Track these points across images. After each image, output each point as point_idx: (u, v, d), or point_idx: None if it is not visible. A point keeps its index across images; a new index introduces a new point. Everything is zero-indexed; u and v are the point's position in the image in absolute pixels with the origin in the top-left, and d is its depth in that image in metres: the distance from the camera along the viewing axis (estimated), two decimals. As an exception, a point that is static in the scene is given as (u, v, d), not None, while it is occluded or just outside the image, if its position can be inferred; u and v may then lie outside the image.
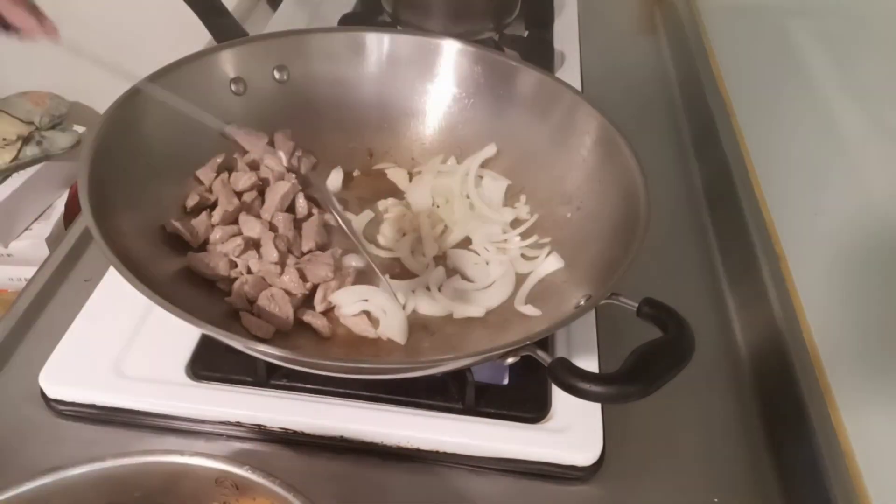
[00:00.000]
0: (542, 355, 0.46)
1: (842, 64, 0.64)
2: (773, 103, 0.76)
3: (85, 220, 0.48)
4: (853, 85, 0.61)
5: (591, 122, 0.62)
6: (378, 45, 0.70)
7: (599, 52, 1.01)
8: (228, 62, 0.66)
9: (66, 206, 1.33)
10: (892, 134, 0.54)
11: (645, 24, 1.14)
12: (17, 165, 1.25)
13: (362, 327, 0.57)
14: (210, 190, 0.62)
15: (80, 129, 1.37)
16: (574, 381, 0.43)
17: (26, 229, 1.28)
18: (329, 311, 0.58)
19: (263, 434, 0.53)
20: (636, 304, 0.49)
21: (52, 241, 1.28)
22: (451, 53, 0.70)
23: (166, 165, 0.61)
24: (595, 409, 0.53)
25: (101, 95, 1.29)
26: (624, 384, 0.43)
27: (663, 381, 0.43)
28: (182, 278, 0.56)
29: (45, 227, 1.29)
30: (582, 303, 0.50)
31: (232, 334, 0.44)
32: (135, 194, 0.56)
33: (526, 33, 0.98)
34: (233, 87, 0.66)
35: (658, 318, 0.48)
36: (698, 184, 0.81)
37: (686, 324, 0.46)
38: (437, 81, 0.71)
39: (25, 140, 1.25)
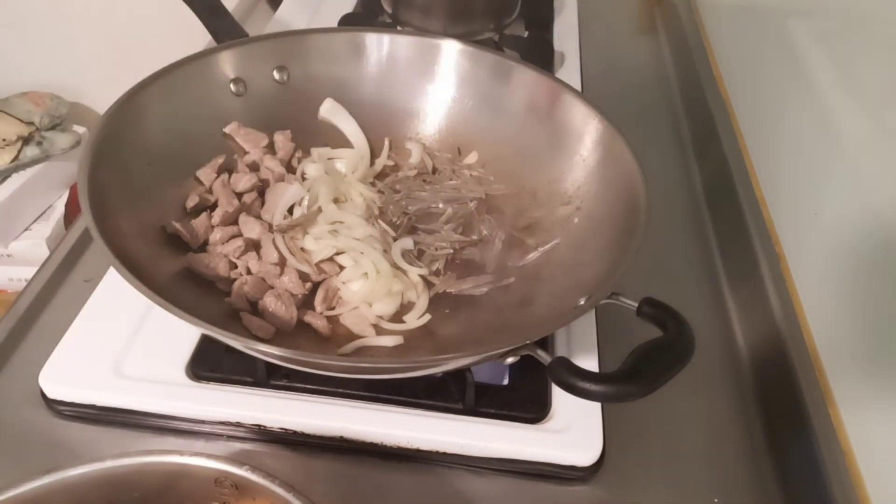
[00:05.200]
0: (542, 355, 0.46)
1: (842, 64, 0.64)
2: (773, 103, 0.76)
3: (85, 220, 0.48)
4: (853, 85, 0.61)
5: (591, 123, 0.62)
6: (378, 45, 0.70)
7: (599, 52, 1.01)
8: (228, 62, 0.66)
9: (66, 206, 1.33)
10: (891, 134, 0.54)
11: (645, 24, 1.14)
12: (17, 166, 1.25)
13: (362, 327, 0.57)
14: (210, 191, 0.62)
15: (80, 129, 1.37)
16: (574, 380, 0.43)
17: (26, 229, 1.28)
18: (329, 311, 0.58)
19: (263, 434, 0.53)
20: (636, 304, 0.49)
21: (52, 242, 1.28)
22: (451, 54, 0.70)
23: (166, 166, 0.61)
24: (595, 409, 0.53)
25: (101, 96, 1.30)
26: (624, 383, 0.43)
27: (663, 381, 0.43)
28: (182, 278, 0.56)
29: (45, 227, 1.29)
30: (582, 303, 0.50)
31: (232, 334, 0.44)
32: (135, 195, 0.56)
33: (526, 33, 0.98)
34: (233, 88, 0.66)
35: (658, 318, 0.48)
36: (698, 184, 0.81)
37: (686, 323, 0.46)
38: (437, 82, 0.71)
39: (25, 140, 1.25)
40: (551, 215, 0.64)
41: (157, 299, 0.44)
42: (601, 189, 0.61)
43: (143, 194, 0.57)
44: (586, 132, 0.63)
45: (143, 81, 0.60)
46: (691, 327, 0.46)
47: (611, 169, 0.60)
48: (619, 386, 0.43)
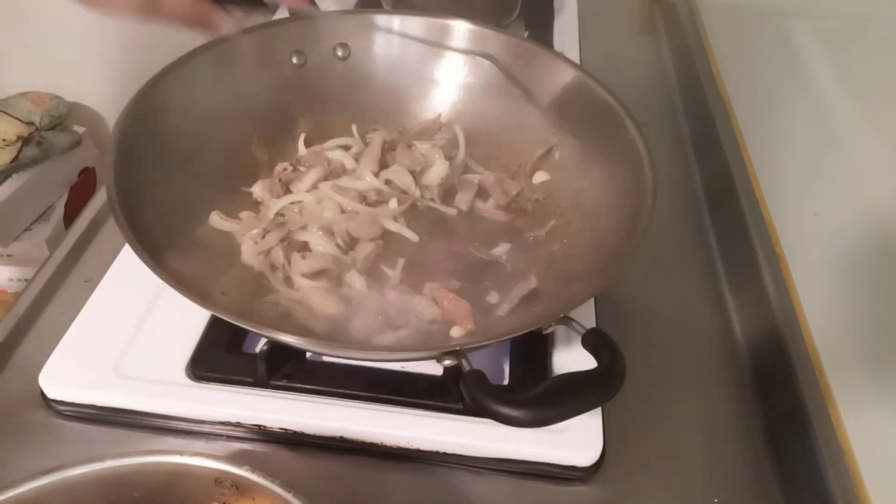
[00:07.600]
0: (464, 363, 0.45)
1: (841, 64, 0.64)
2: (772, 103, 0.76)
3: (109, 202, 0.49)
4: (853, 85, 0.61)
5: (599, 103, 0.62)
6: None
7: (599, 53, 1.01)
8: (291, 36, 0.68)
9: (66, 206, 1.33)
10: (891, 134, 0.54)
11: (645, 24, 1.14)
12: (17, 166, 1.25)
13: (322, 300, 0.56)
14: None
15: (80, 129, 1.37)
16: (485, 399, 0.42)
17: (26, 230, 1.28)
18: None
19: (263, 434, 0.53)
20: (584, 331, 0.47)
21: (52, 242, 1.28)
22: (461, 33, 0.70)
23: (188, 154, 0.60)
24: (595, 409, 0.53)
25: (102, 96, 1.29)
26: (531, 409, 0.42)
27: (575, 414, 0.43)
28: (195, 267, 0.55)
29: (45, 227, 1.29)
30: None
31: (245, 320, 0.44)
32: (156, 180, 0.56)
33: (526, 33, 0.98)
34: (294, 60, 0.68)
35: (596, 349, 0.47)
36: (698, 184, 0.81)
37: (619, 359, 0.45)
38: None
39: (25, 140, 1.25)
40: (555, 201, 0.64)
41: (170, 281, 0.44)
42: (607, 174, 0.60)
43: (163, 178, 0.57)
44: (594, 114, 0.63)
45: (183, 57, 0.61)
46: (624, 364, 0.45)
47: (617, 152, 0.59)
48: (528, 411, 0.42)
